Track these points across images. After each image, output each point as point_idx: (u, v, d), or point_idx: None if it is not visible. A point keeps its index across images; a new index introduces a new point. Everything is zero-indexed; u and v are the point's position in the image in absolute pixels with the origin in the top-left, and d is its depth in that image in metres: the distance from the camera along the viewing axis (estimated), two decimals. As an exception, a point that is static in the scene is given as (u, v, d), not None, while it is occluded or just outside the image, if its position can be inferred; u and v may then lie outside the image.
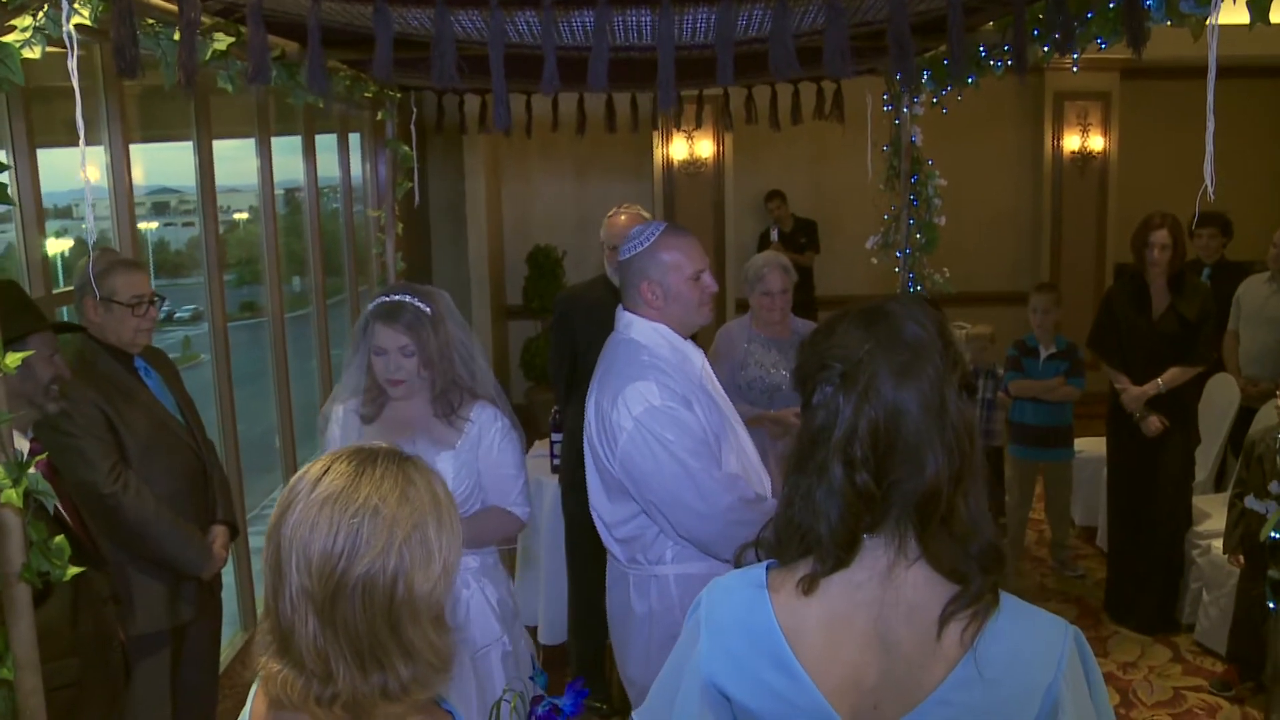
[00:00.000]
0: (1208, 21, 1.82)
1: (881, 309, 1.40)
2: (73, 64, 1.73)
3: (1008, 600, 1.38)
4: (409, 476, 1.28)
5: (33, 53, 1.85)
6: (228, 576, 3.44)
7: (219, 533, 3.21)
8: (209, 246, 4.51)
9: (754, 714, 1.43)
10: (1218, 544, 4.41)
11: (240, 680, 4.39)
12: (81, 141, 1.84)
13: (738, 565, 1.52)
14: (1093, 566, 5.53)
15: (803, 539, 1.39)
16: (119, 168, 3.85)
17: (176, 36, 1.94)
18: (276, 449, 5.45)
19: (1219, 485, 5.37)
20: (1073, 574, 5.48)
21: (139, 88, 4.14)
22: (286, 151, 5.74)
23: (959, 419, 1.36)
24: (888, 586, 1.37)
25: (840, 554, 1.36)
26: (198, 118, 4.39)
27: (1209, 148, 1.66)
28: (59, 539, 1.88)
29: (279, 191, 5.80)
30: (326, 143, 6.35)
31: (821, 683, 1.38)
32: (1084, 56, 3.01)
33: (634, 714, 1.57)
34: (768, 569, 1.45)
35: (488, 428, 2.76)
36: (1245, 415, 5.07)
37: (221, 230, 5.72)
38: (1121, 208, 8.46)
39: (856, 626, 1.38)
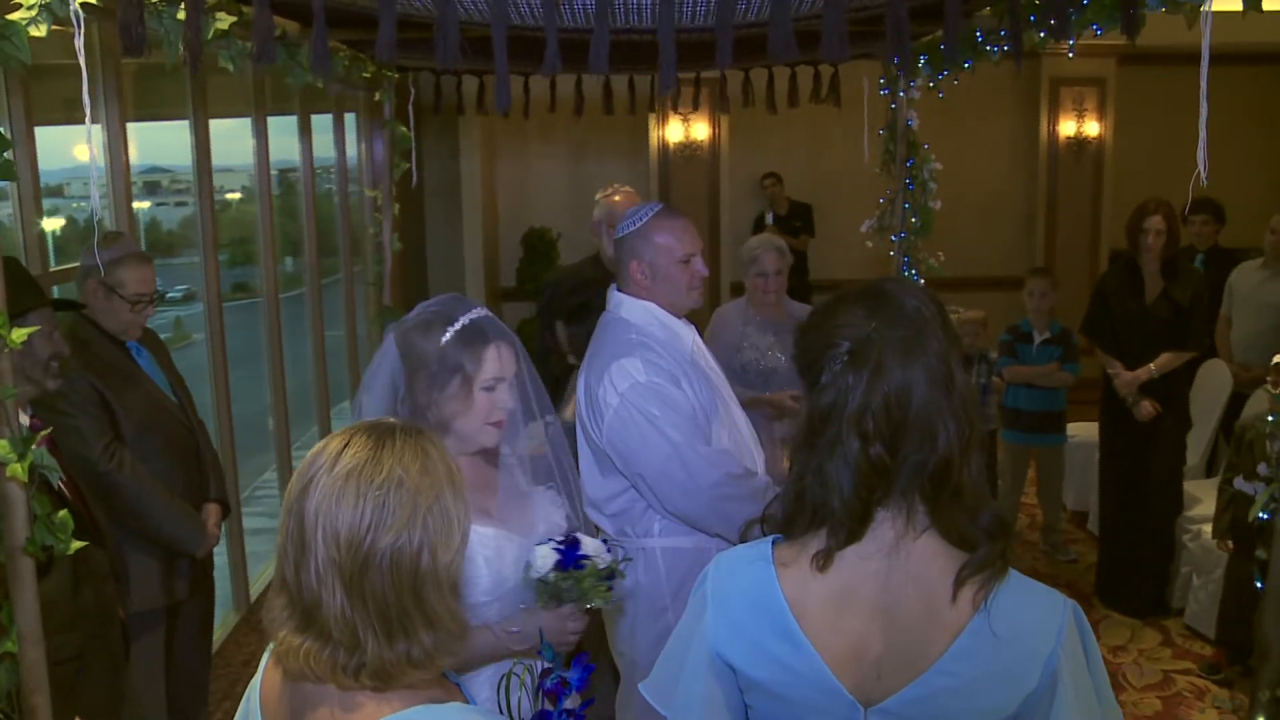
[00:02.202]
0: (1201, 8, 1.83)
1: (879, 288, 1.42)
2: (79, 42, 1.74)
3: (1011, 571, 1.40)
4: (425, 449, 1.30)
5: (38, 30, 1.85)
6: (219, 556, 3.44)
7: (212, 511, 3.23)
8: (205, 226, 4.49)
9: (760, 684, 1.45)
10: (1208, 529, 4.43)
11: (232, 660, 4.39)
12: (88, 119, 1.84)
13: (742, 540, 1.54)
14: (1084, 551, 5.56)
15: (814, 514, 1.41)
16: (116, 146, 3.84)
17: (181, 15, 1.94)
18: (270, 430, 5.44)
19: (1210, 471, 5.39)
20: (1064, 558, 5.51)
21: (135, 66, 4.11)
22: (280, 132, 5.71)
23: (965, 390, 1.39)
24: (894, 558, 1.39)
25: (854, 525, 1.38)
26: (195, 97, 4.37)
27: (1202, 134, 1.68)
28: (63, 514, 1.90)
29: (273, 172, 5.78)
30: (322, 123, 6.32)
31: (825, 653, 1.40)
32: (1081, 43, 3.02)
33: (640, 686, 1.57)
34: (773, 543, 1.47)
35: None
36: (1237, 401, 5.08)
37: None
38: (1117, 193, 8.47)
39: (862, 598, 1.40)
